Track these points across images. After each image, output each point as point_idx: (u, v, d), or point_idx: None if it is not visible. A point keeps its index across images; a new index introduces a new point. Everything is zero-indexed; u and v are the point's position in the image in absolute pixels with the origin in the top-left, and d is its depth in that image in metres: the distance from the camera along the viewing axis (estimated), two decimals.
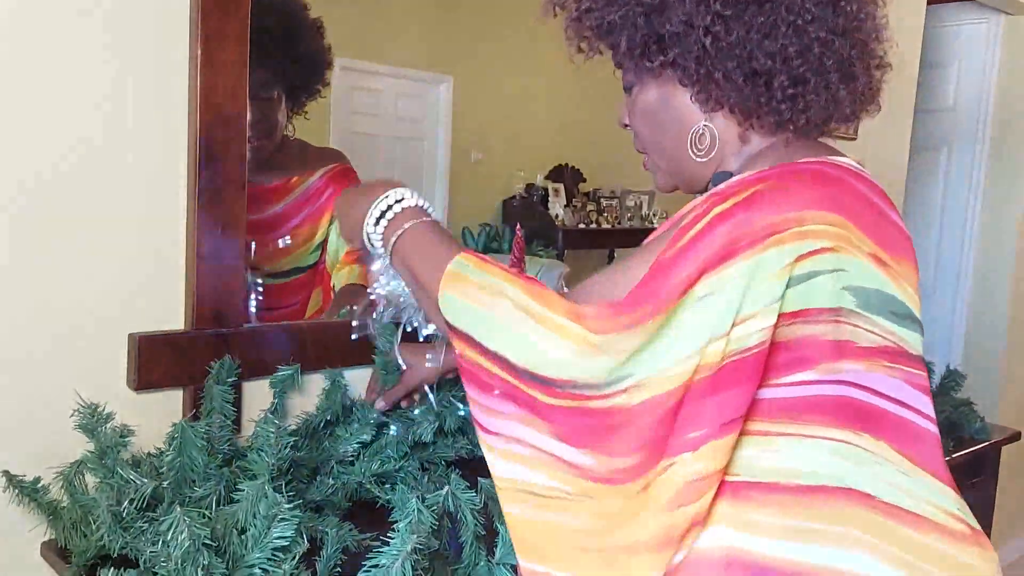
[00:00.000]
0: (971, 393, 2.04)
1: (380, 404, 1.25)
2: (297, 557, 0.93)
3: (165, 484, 1.04)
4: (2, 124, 1.05)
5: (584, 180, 2.26)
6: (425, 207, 0.96)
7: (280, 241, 1.52)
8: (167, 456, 1.07)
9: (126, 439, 1.09)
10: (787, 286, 0.74)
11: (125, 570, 0.90)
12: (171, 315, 1.20)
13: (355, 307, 1.15)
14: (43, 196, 1.09)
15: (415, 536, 0.88)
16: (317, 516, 1.08)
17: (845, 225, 0.77)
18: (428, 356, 1.21)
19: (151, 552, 0.91)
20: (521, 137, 2.13)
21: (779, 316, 0.74)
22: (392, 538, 0.89)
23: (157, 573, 0.89)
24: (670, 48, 0.87)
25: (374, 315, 1.12)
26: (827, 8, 0.86)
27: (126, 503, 0.99)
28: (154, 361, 1.16)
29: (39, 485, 1.08)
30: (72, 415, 1.08)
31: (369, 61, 1.80)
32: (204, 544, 0.88)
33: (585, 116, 2.16)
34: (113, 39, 1.11)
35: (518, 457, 0.80)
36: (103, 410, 1.10)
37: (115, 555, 0.98)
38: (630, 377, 0.75)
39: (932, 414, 0.83)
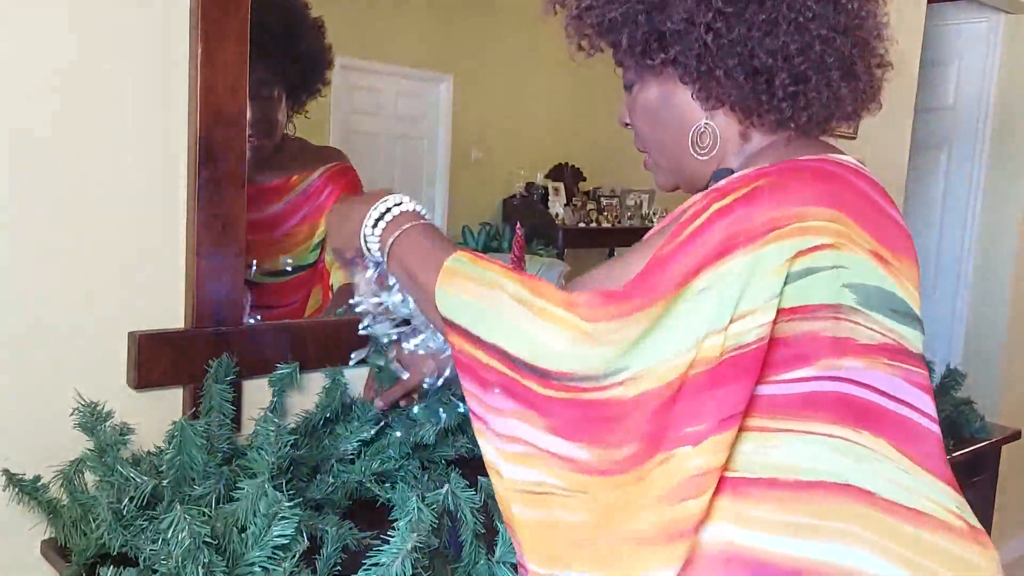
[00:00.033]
0: (971, 392, 2.04)
1: (378, 404, 1.25)
2: (297, 555, 0.93)
3: (165, 482, 1.04)
4: (3, 124, 1.05)
5: (584, 179, 2.26)
6: (421, 212, 0.98)
7: (282, 259, 1.53)
8: (167, 454, 1.07)
9: (126, 437, 1.09)
10: (786, 282, 0.74)
11: (125, 568, 0.90)
12: (171, 313, 1.20)
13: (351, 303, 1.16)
14: (43, 194, 1.08)
15: (415, 534, 0.88)
16: (317, 514, 1.07)
17: (846, 222, 0.77)
18: (424, 374, 1.22)
19: (151, 550, 0.91)
20: (521, 136, 2.13)
21: (778, 312, 0.74)
22: (392, 536, 0.89)
23: (157, 571, 0.89)
24: (671, 46, 0.87)
25: (360, 327, 1.14)
26: (828, 6, 0.86)
27: (126, 501, 0.99)
28: (154, 359, 1.16)
29: (39, 483, 1.08)
30: (72, 414, 1.08)
31: (369, 60, 1.80)
32: (204, 542, 0.88)
33: (585, 115, 2.16)
34: (113, 37, 1.11)
35: (512, 456, 0.80)
36: (103, 408, 1.09)
37: (115, 553, 0.98)
38: (627, 370, 0.75)
39: (933, 413, 0.83)
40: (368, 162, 1.76)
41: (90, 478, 1.08)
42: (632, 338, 0.75)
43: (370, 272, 1.06)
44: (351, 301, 1.12)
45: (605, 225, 2.26)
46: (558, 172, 2.20)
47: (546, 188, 2.16)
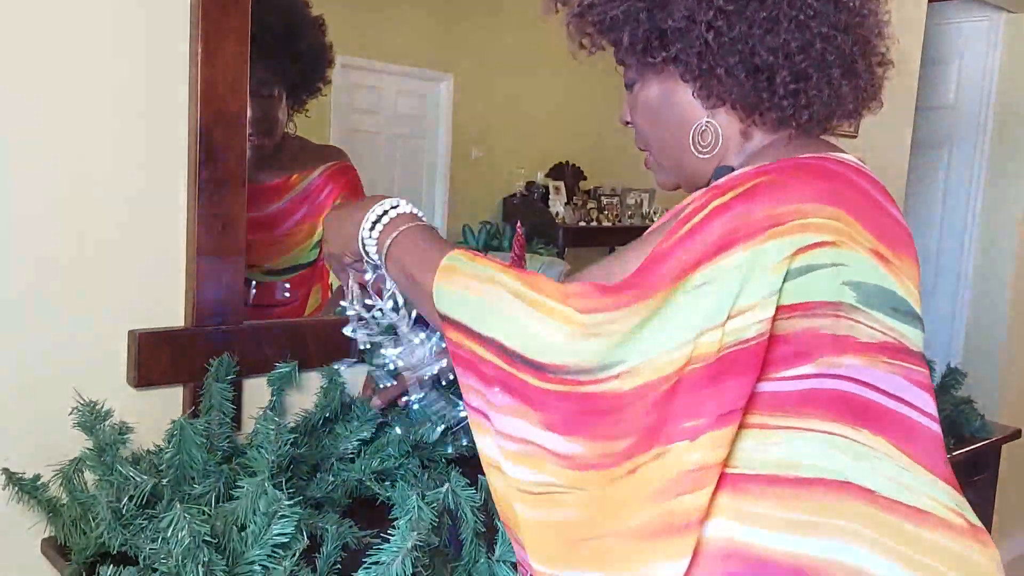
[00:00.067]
0: (971, 391, 2.04)
1: (376, 402, 1.25)
2: (297, 554, 0.93)
3: (164, 481, 1.04)
4: (3, 121, 1.05)
5: (585, 178, 2.26)
6: (418, 214, 0.99)
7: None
8: (166, 453, 1.07)
9: (125, 436, 1.09)
10: (786, 279, 0.74)
11: (125, 567, 0.90)
12: (171, 312, 1.19)
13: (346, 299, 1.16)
14: (43, 193, 1.08)
15: (415, 533, 0.88)
16: (317, 513, 1.07)
17: (846, 220, 0.77)
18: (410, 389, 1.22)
19: (151, 549, 0.91)
20: (521, 135, 2.13)
21: (778, 309, 0.74)
22: (392, 535, 0.89)
23: (157, 570, 0.89)
24: (672, 44, 0.87)
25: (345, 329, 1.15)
26: (829, 4, 0.86)
27: (125, 500, 0.99)
28: (154, 358, 1.16)
29: (39, 482, 1.08)
30: (71, 412, 1.08)
31: (370, 59, 1.80)
32: (204, 541, 0.88)
33: (586, 114, 2.16)
34: (113, 35, 1.11)
35: (512, 454, 0.80)
36: (102, 407, 1.09)
37: (115, 552, 0.98)
38: (622, 363, 0.75)
39: (933, 411, 0.83)
40: (368, 161, 1.76)
41: (90, 477, 1.07)
42: (627, 330, 0.75)
43: (369, 275, 1.06)
44: (342, 303, 1.13)
45: (606, 224, 2.26)
46: (558, 171, 2.20)
47: (546, 187, 2.16)
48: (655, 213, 2.34)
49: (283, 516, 0.92)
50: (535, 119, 2.14)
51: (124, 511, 0.99)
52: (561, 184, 2.19)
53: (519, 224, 1.44)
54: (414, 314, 1.14)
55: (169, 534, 0.88)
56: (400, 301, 1.10)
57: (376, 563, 0.87)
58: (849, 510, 0.75)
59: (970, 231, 3.38)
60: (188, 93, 1.16)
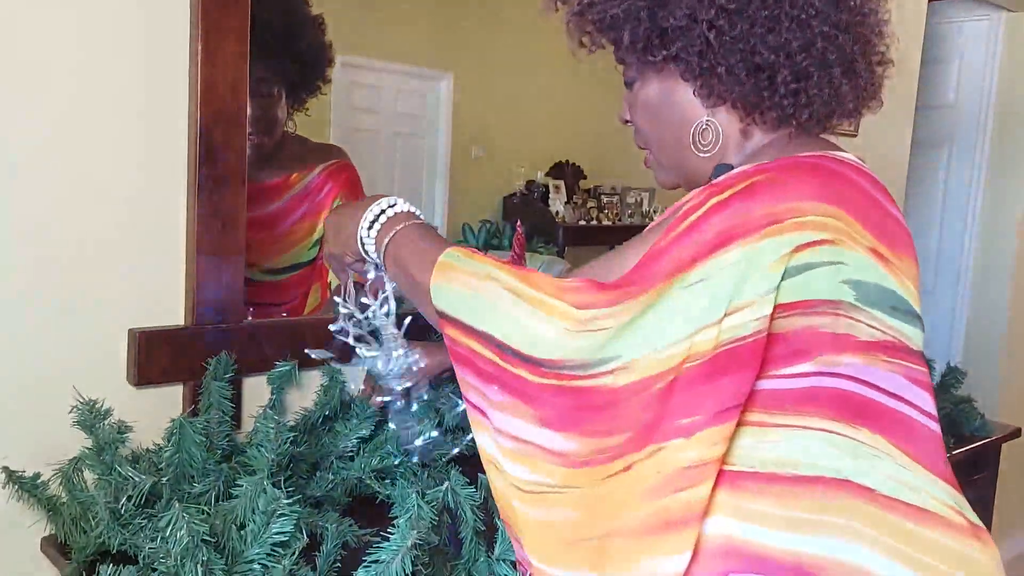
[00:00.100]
0: (971, 390, 2.04)
1: (375, 401, 1.25)
2: (297, 552, 0.93)
3: (164, 480, 1.04)
4: (3, 120, 1.05)
5: (585, 177, 2.25)
6: (416, 212, 1.00)
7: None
8: (166, 452, 1.07)
9: (124, 435, 1.09)
10: (784, 277, 0.74)
11: (124, 566, 0.90)
12: (170, 311, 1.19)
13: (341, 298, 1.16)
14: (43, 192, 1.08)
15: (415, 532, 0.88)
16: (317, 512, 1.07)
17: (845, 219, 0.77)
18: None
19: (150, 548, 0.91)
20: (522, 133, 2.12)
21: (776, 307, 0.74)
22: (392, 534, 0.89)
23: (156, 569, 0.89)
24: (673, 42, 0.87)
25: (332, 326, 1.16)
26: (830, 3, 0.86)
27: (124, 499, 0.99)
28: (153, 357, 1.16)
29: (38, 481, 1.08)
30: (71, 411, 1.08)
31: (370, 57, 1.80)
32: (203, 540, 0.88)
33: (586, 112, 2.15)
34: (114, 35, 1.11)
35: (508, 452, 0.80)
36: (102, 406, 1.09)
37: (114, 551, 0.98)
38: (618, 358, 0.75)
39: (933, 411, 0.83)
40: (368, 160, 1.76)
41: (89, 476, 1.07)
42: (622, 326, 0.75)
43: (372, 275, 1.07)
44: (335, 299, 1.14)
45: (605, 223, 2.26)
46: (558, 170, 2.20)
47: (546, 186, 2.15)
48: (655, 212, 2.34)
49: (282, 515, 0.92)
50: (535, 118, 2.14)
51: (123, 510, 0.99)
52: (561, 183, 2.19)
53: (519, 223, 1.44)
54: (404, 326, 1.15)
55: (168, 533, 0.88)
56: (393, 307, 1.11)
57: (376, 561, 0.87)
58: (849, 508, 0.75)
59: (970, 231, 3.38)
60: (188, 92, 1.16)
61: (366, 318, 1.13)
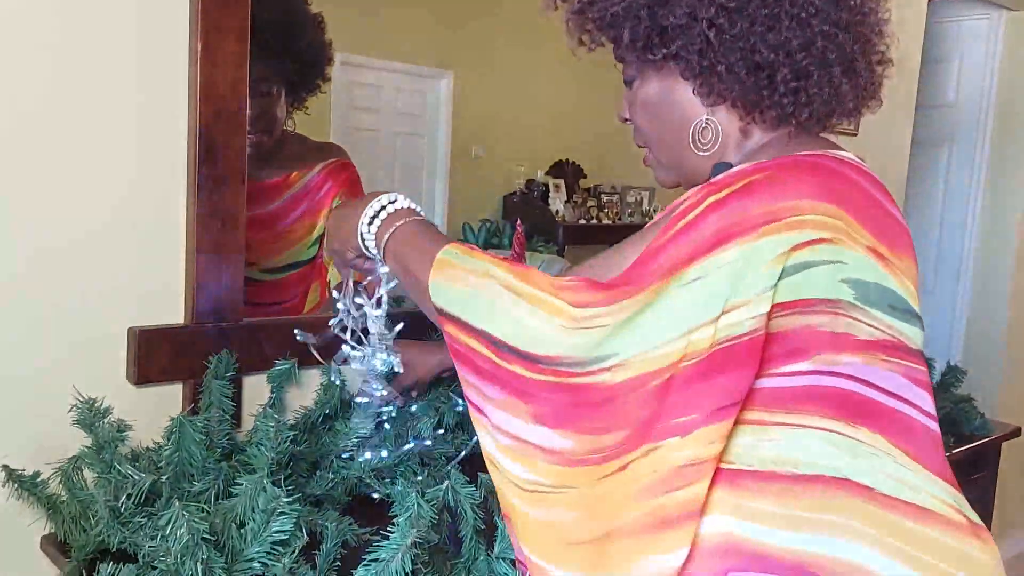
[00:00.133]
0: (971, 389, 2.04)
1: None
2: (296, 551, 0.93)
3: (164, 479, 1.04)
4: (3, 118, 1.05)
5: (585, 176, 2.25)
6: (416, 209, 1.00)
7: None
8: (166, 450, 1.07)
9: (124, 433, 1.09)
10: (782, 276, 0.74)
11: (124, 564, 0.90)
12: (171, 309, 1.19)
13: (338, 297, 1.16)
14: (43, 190, 1.08)
15: (415, 530, 0.88)
16: (317, 510, 1.07)
17: (844, 218, 0.77)
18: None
19: (150, 546, 0.91)
20: (522, 132, 2.12)
21: (775, 306, 0.74)
22: (392, 532, 0.89)
23: (156, 567, 0.89)
24: (673, 41, 0.87)
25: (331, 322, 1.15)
26: (830, 2, 0.85)
27: (124, 498, 0.99)
28: (153, 355, 1.16)
29: (38, 479, 1.08)
30: (70, 410, 1.08)
31: (370, 56, 1.80)
32: (203, 538, 0.88)
33: (586, 111, 2.15)
34: (114, 34, 1.11)
35: (505, 448, 0.81)
36: (101, 405, 1.09)
37: (114, 549, 0.98)
38: (615, 356, 0.75)
39: (932, 410, 0.83)
40: (368, 159, 1.76)
41: (89, 474, 1.07)
42: (619, 323, 0.75)
43: (381, 269, 1.07)
44: (334, 294, 1.14)
45: (606, 222, 2.26)
46: (559, 169, 2.20)
47: (547, 185, 2.15)
48: (655, 211, 2.34)
49: (282, 513, 0.92)
50: (535, 117, 2.13)
51: (123, 508, 0.99)
52: (561, 182, 2.19)
53: (519, 222, 1.44)
54: (395, 331, 1.14)
55: (168, 531, 0.88)
56: (384, 309, 1.11)
57: (376, 560, 0.88)
58: (848, 507, 0.75)
59: (970, 230, 3.38)
60: (188, 91, 1.16)
61: (362, 315, 1.13)
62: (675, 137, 0.93)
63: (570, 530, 0.77)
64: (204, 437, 1.09)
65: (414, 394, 1.30)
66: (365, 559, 0.88)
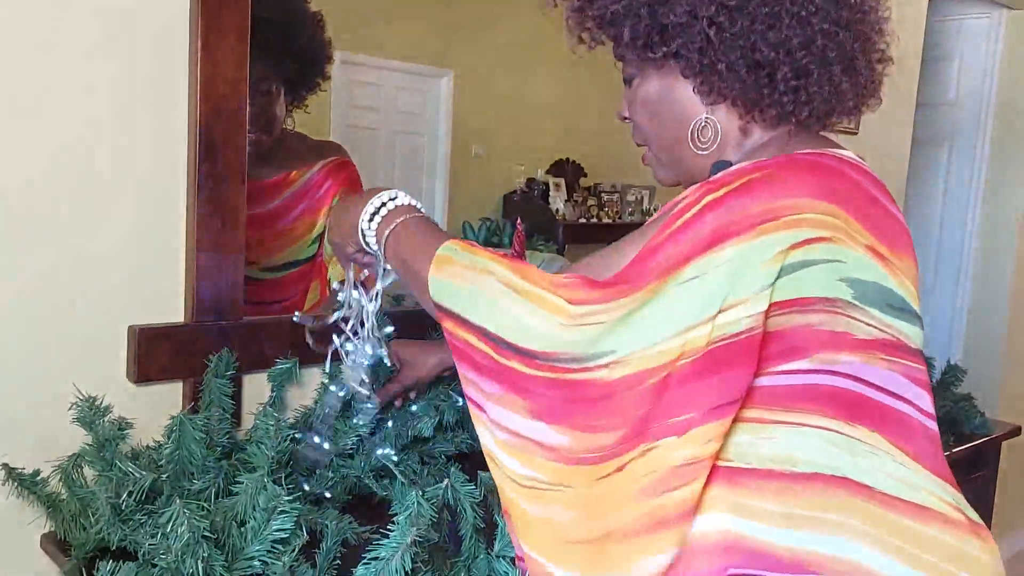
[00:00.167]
0: (971, 388, 2.04)
1: (375, 399, 1.25)
2: (296, 549, 0.93)
3: (164, 477, 1.04)
4: (3, 118, 1.05)
5: (585, 175, 2.25)
6: (417, 205, 1.00)
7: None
8: (166, 449, 1.07)
9: (124, 432, 1.09)
10: (780, 274, 0.74)
11: (124, 562, 0.90)
12: (171, 308, 1.19)
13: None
14: (43, 188, 1.08)
15: (415, 529, 0.88)
16: (316, 509, 1.07)
17: (843, 217, 0.77)
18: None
19: (150, 544, 0.91)
20: (522, 131, 2.12)
21: (773, 304, 0.74)
22: (392, 531, 0.89)
23: (156, 565, 0.89)
24: (673, 39, 0.86)
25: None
26: (830, 0, 0.85)
27: (125, 496, 0.99)
28: (153, 354, 1.16)
29: (38, 478, 1.08)
30: (70, 408, 1.08)
31: (369, 55, 1.80)
32: (203, 536, 0.88)
33: (586, 110, 2.15)
34: (114, 31, 1.11)
35: (503, 444, 0.81)
36: (101, 403, 1.09)
37: (114, 548, 0.98)
38: (612, 353, 0.75)
39: (931, 409, 0.83)
40: (368, 157, 1.76)
41: (89, 472, 1.07)
42: (616, 321, 0.75)
43: (381, 265, 1.07)
44: (334, 286, 1.14)
45: (606, 221, 2.26)
46: (559, 168, 2.20)
47: (547, 184, 2.15)
48: (655, 209, 2.34)
49: (282, 511, 0.93)
50: (535, 116, 2.13)
51: (123, 506, 0.99)
52: (561, 181, 2.19)
53: (519, 221, 1.44)
54: (388, 332, 1.14)
55: (168, 529, 0.88)
56: (377, 304, 1.11)
57: (376, 558, 0.88)
58: (847, 506, 0.75)
59: (970, 229, 3.38)
60: (188, 89, 1.16)
61: (360, 308, 1.12)
62: (675, 136, 0.93)
63: (568, 529, 0.77)
64: (204, 436, 1.09)
65: (413, 395, 1.29)
66: (365, 557, 0.89)
